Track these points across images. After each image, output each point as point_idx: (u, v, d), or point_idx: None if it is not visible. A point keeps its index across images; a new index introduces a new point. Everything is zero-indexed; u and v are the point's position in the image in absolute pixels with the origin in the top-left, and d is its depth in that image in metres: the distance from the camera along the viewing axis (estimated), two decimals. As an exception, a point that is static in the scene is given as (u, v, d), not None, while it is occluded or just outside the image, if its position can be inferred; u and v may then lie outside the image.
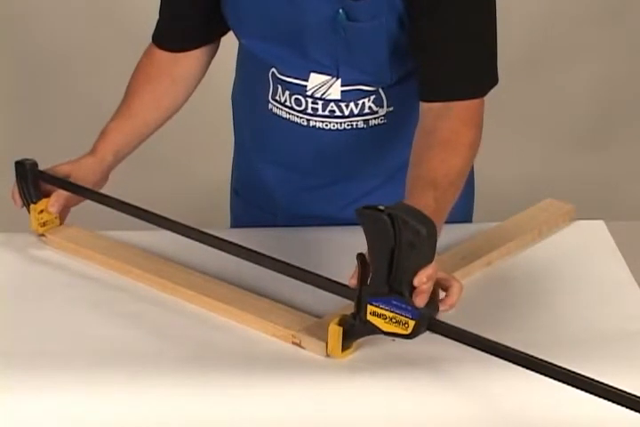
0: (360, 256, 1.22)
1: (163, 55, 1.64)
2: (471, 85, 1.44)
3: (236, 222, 1.81)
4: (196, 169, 3.25)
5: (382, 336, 1.25)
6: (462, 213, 1.68)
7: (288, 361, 1.29)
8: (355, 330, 1.27)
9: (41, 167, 1.57)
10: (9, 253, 1.56)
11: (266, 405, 1.21)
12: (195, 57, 1.64)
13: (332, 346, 1.28)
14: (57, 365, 1.29)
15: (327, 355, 1.29)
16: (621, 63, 3.26)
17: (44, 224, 1.57)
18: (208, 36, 1.63)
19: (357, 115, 1.56)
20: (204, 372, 1.27)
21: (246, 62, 1.64)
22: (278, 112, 1.59)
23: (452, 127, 1.41)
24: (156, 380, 1.26)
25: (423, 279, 1.19)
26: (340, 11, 1.44)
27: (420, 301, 1.20)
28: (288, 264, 1.35)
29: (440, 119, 1.42)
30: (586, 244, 1.59)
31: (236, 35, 1.58)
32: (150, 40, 1.68)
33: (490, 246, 1.54)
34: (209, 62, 1.67)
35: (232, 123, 1.76)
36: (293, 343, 1.32)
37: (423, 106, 1.45)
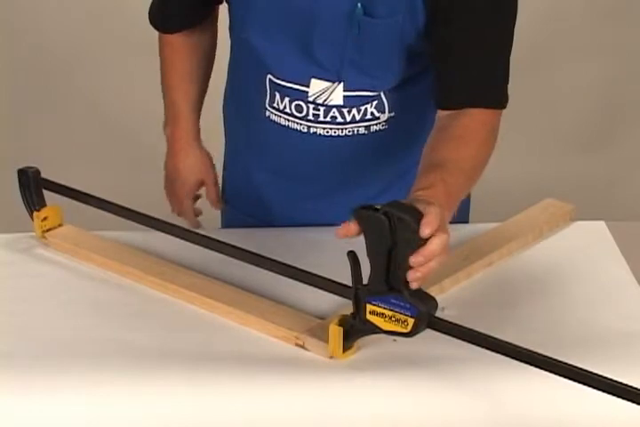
0: (351, 254, 1.22)
1: (181, 36, 1.66)
2: (490, 95, 1.44)
3: (226, 227, 1.79)
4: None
5: (383, 336, 1.25)
6: (460, 213, 1.68)
7: (290, 362, 1.29)
8: (355, 330, 1.27)
9: (42, 169, 1.57)
10: (10, 254, 1.56)
11: (268, 406, 1.22)
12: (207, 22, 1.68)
13: (333, 347, 1.28)
14: (57, 365, 1.29)
15: (331, 357, 1.29)
16: (622, 63, 3.25)
17: (47, 231, 1.58)
18: (213, 6, 1.64)
19: (359, 121, 1.55)
20: (205, 373, 1.27)
21: (240, 68, 1.62)
22: (276, 119, 1.57)
23: (466, 124, 1.41)
24: (157, 381, 1.26)
25: (420, 259, 1.17)
26: (359, 5, 1.42)
27: (415, 277, 1.19)
28: (288, 265, 1.35)
29: (456, 118, 1.41)
30: (586, 244, 1.59)
31: (237, 29, 1.55)
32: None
33: (491, 247, 1.54)
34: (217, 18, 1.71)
35: (222, 127, 1.75)
36: (297, 345, 1.32)
37: (439, 112, 1.45)
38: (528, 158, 3.23)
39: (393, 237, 1.18)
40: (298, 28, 1.46)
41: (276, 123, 1.58)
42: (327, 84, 1.50)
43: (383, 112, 1.55)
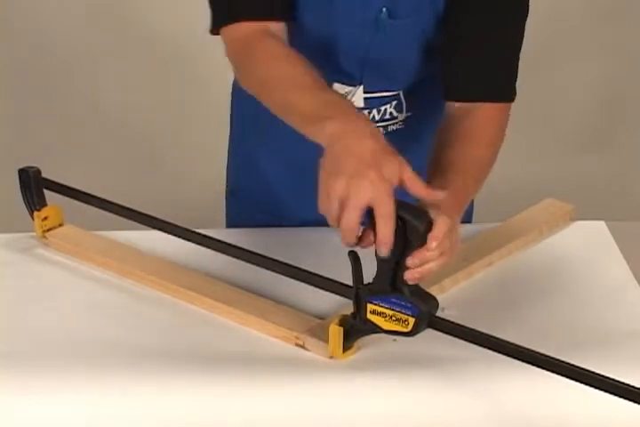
0: (352, 254, 1.22)
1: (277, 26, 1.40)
2: (502, 88, 1.45)
3: (233, 223, 1.77)
4: (193, 169, 3.25)
5: (383, 336, 1.25)
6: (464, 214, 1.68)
7: (290, 362, 1.29)
8: (355, 330, 1.27)
9: (43, 169, 1.57)
10: (10, 254, 1.56)
11: (267, 406, 1.22)
12: None
13: (334, 347, 1.28)
14: (57, 365, 1.29)
15: (331, 357, 1.29)
16: (622, 63, 3.26)
17: (48, 230, 1.58)
18: None
19: (378, 121, 1.55)
20: (205, 373, 1.27)
21: None
22: None
23: (476, 123, 1.41)
24: (157, 381, 1.26)
25: (416, 261, 1.18)
26: (384, 9, 1.43)
27: (412, 278, 1.20)
28: (288, 265, 1.35)
29: (464, 116, 1.42)
30: (586, 244, 1.59)
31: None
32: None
33: (491, 247, 1.54)
34: None
35: (229, 124, 1.74)
36: (297, 345, 1.32)
37: (448, 105, 1.45)
38: (528, 158, 3.23)
39: (403, 240, 1.18)
40: (321, 35, 1.45)
41: None
42: (349, 88, 1.51)
43: (401, 112, 1.56)
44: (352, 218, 1.15)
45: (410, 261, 1.18)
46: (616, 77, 3.27)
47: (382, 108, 1.55)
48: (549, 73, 3.22)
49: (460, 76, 1.44)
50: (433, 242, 1.17)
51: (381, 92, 1.53)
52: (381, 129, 1.56)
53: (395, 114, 1.56)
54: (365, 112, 1.54)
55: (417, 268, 1.19)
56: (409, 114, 1.57)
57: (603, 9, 3.18)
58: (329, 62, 1.48)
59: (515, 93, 1.46)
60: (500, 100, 1.44)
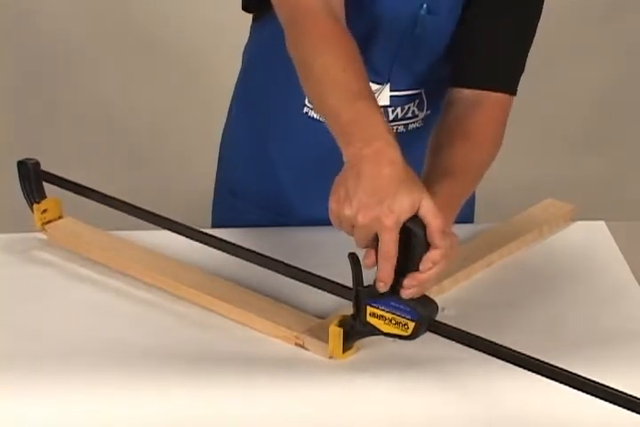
0: (352, 255, 1.22)
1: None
2: (507, 78, 1.46)
3: (225, 222, 1.73)
4: (194, 169, 3.25)
5: (383, 337, 1.25)
6: (464, 214, 1.67)
7: (290, 362, 1.29)
8: (355, 331, 1.27)
9: (45, 166, 1.56)
10: (9, 254, 1.56)
11: (267, 406, 1.21)
12: None
13: (333, 347, 1.28)
14: (57, 366, 1.29)
15: (330, 357, 1.29)
16: (622, 64, 3.26)
17: (47, 223, 1.57)
18: None
19: (400, 119, 1.56)
20: (205, 373, 1.27)
21: (277, 62, 1.52)
22: (315, 115, 1.55)
23: (478, 121, 1.41)
24: (157, 381, 1.26)
25: (413, 283, 1.19)
26: (424, 5, 1.43)
27: (407, 294, 1.20)
28: (289, 265, 1.35)
29: (467, 111, 1.42)
30: (587, 244, 1.59)
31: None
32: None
33: (491, 247, 1.54)
34: None
35: (225, 122, 1.72)
36: (296, 344, 1.32)
37: (454, 94, 1.45)
38: (528, 158, 3.23)
39: (404, 249, 1.18)
40: (356, 32, 1.41)
41: (315, 119, 1.55)
42: (377, 86, 1.51)
43: (422, 110, 1.57)
44: (359, 243, 1.19)
45: (407, 282, 1.19)
46: (616, 78, 3.27)
47: (406, 107, 1.55)
48: (549, 73, 3.22)
49: (468, 63, 1.45)
50: (427, 264, 1.17)
51: (406, 91, 1.53)
52: (402, 127, 1.56)
53: (416, 112, 1.57)
54: (390, 110, 1.54)
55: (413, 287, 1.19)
56: (428, 112, 1.58)
57: (603, 9, 3.18)
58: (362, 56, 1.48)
59: (517, 85, 1.47)
60: (505, 91, 1.45)
